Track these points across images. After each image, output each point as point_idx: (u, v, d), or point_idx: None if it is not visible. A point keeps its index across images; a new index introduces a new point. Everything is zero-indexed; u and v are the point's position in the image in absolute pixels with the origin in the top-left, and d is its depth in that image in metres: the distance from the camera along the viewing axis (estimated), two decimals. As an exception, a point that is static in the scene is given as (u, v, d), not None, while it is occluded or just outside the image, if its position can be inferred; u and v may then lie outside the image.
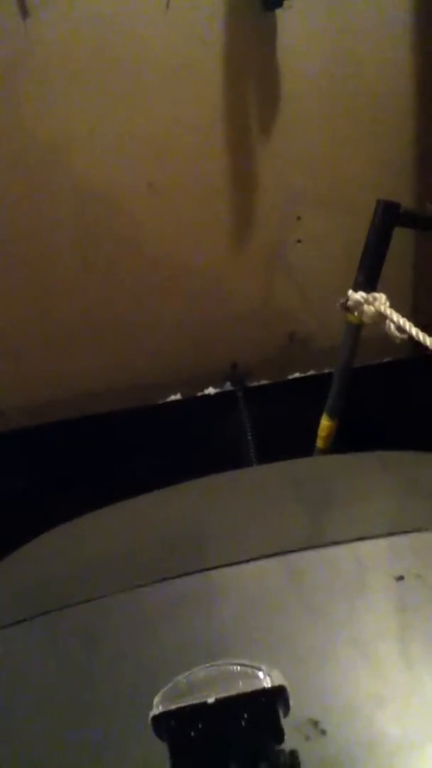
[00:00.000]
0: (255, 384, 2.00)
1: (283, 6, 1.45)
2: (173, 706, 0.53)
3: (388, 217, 1.24)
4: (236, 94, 1.58)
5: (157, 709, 0.53)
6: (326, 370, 1.82)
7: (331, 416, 1.49)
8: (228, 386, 1.98)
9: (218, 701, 0.52)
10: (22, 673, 0.78)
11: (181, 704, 0.53)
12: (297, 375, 2.02)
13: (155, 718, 0.53)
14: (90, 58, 1.49)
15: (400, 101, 1.65)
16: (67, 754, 0.66)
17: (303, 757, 0.55)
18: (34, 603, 0.89)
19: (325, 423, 1.51)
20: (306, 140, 1.66)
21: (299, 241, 1.83)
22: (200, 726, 0.52)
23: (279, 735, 0.54)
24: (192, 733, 0.52)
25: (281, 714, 0.55)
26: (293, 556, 0.85)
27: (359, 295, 1.20)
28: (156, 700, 0.54)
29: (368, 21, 1.55)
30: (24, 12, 1.44)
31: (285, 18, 1.51)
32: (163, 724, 0.53)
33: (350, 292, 1.23)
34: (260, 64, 1.56)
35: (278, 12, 1.48)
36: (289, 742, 0.56)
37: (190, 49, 1.51)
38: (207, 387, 1.99)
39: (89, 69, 1.51)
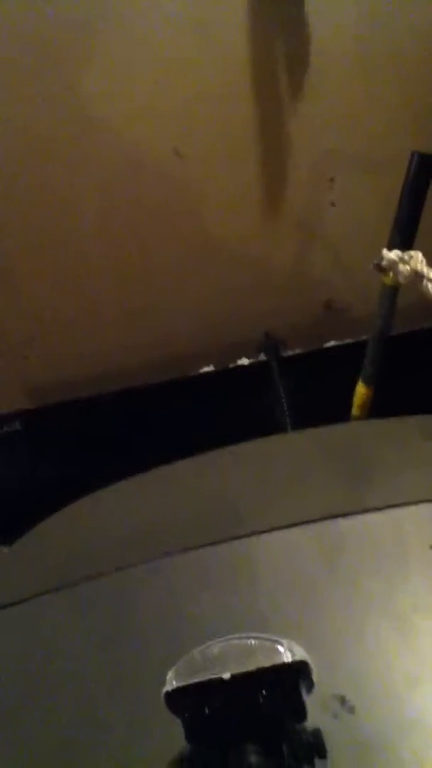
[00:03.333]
0: (289, 353, 1.95)
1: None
2: (187, 682, 0.50)
3: (423, 170, 1.17)
4: (262, 53, 1.52)
5: (170, 685, 0.51)
6: (364, 338, 1.76)
7: (367, 383, 1.44)
8: (262, 356, 1.94)
9: (234, 677, 0.49)
10: (48, 646, 0.77)
11: (195, 680, 0.50)
12: (333, 343, 1.96)
13: (168, 694, 0.51)
14: (110, 26, 1.45)
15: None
16: (90, 729, 0.64)
17: (329, 736, 0.52)
18: (60, 574, 0.88)
19: (360, 390, 1.45)
20: (336, 98, 1.59)
21: (333, 204, 1.76)
22: (215, 702, 0.49)
23: (301, 712, 0.51)
24: (207, 710, 0.50)
25: (303, 691, 0.51)
26: (325, 524, 0.82)
27: (393, 254, 1.14)
28: (169, 675, 0.52)
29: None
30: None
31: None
32: (177, 700, 0.50)
33: (384, 251, 1.16)
34: (287, 21, 1.49)
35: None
36: (314, 720, 0.52)
37: (215, 5, 1.45)
38: (240, 358, 1.94)
39: (108, 35, 1.46)
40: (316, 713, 0.53)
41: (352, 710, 0.57)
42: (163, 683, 0.52)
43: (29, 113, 1.51)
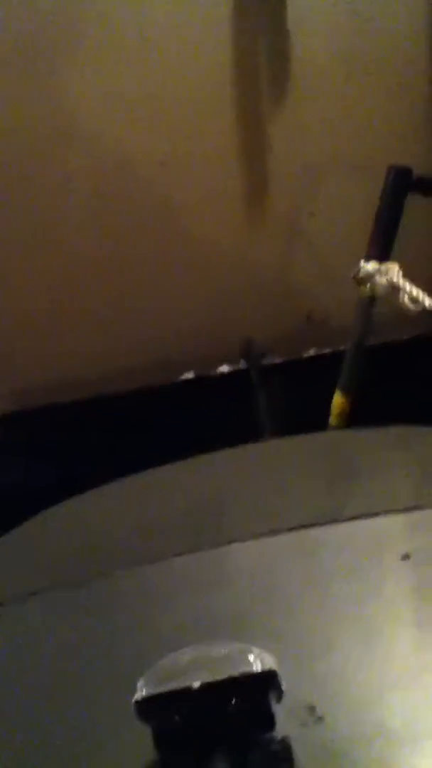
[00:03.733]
0: (270, 362, 1.96)
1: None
2: (156, 691, 0.50)
3: (400, 183, 1.19)
4: (246, 58, 1.53)
5: (140, 693, 0.51)
6: (343, 348, 1.77)
7: (345, 392, 1.45)
8: (242, 364, 1.95)
9: (203, 686, 0.49)
10: (15, 651, 0.76)
11: (165, 689, 0.50)
12: (313, 352, 1.97)
13: (138, 702, 0.51)
14: (96, 31, 1.45)
15: (418, 62, 1.59)
16: (58, 736, 0.64)
17: (297, 744, 0.52)
18: (34, 578, 0.87)
19: (338, 399, 1.46)
20: (319, 105, 1.61)
21: (312, 214, 1.78)
22: (185, 711, 0.50)
23: (269, 721, 0.51)
24: (177, 719, 0.50)
25: (272, 700, 0.52)
26: (300, 533, 0.83)
27: (370, 266, 1.15)
28: (139, 683, 0.52)
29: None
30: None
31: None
32: (146, 709, 0.50)
33: (362, 262, 1.18)
34: (270, 31, 1.51)
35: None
36: (283, 729, 0.53)
37: (199, 8, 1.46)
38: (221, 365, 1.95)
39: (95, 39, 1.47)
40: (285, 722, 0.53)
41: (320, 719, 0.57)
42: (133, 691, 0.53)
43: (18, 117, 1.52)
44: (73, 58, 1.47)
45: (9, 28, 1.43)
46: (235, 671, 0.50)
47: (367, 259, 1.20)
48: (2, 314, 1.77)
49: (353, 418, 1.52)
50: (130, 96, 1.52)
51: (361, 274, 1.17)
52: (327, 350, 1.97)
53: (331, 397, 1.52)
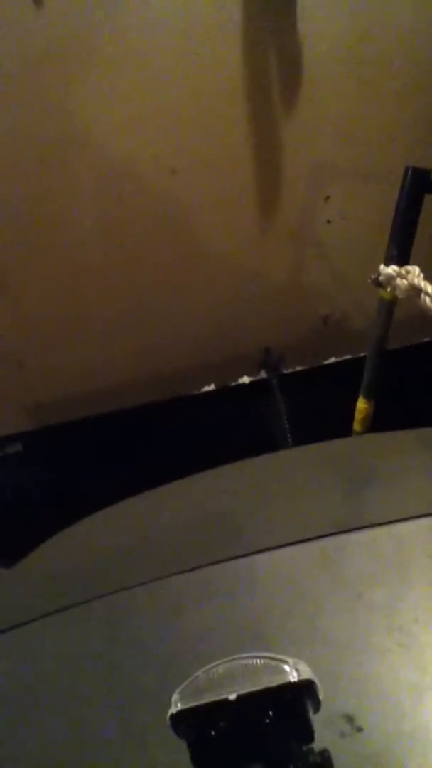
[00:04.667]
0: (290, 371, 1.95)
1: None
2: (192, 704, 0.49)
3: (417, 184, 1.17)
4: (256, 62, 1.53)
5: (175, 707, 0.50)
6: (363, 354, 1.76)
7: (367, 398, 1.43)
8: (263, 374, 1.94)
9: (240, 697, 0.48)
10: (50, 669, 0.76)
11: (201, 701, 0.49)
12: (333, 360, 1.96)
13: (173, 716, 0.50)
14: (105, 39, 1.46)
15: (430, 64, 1.58)
16: (93, 753, 0.63)
17: (337, 756, 0.51)
18: (62, 596, 0.87)
19: (361, 405, 1.45)
20: (331, 109, 1.60)
21: (329, 221, 1.77)
22: (221, 724, 0.49)
23: (308, 733, 0.50)
24: (213, 732, 0.49)
25: (310, 710, 0.50)
26: (328, 541, 0.81)
27: (391, 269, 1.14)
28: (174, 697, 0.51)
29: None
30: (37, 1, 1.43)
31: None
32: (182, 722, 0.49)
33: (381, 266, 1.16)
34: (280, 35, 1.50)
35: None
36: (322, 740, 0.51)
37: (208, 13, 1.46)
38: (241, 376, 1.95)
39: (104, 50, 1.47)
40: (324, 733, 0.52)
41: (359, 729, 0.56)
42: (167, 705, 0.52)
43: (31, 127, 1.52)
44: (85, 69, 1.47)
45: (26, 43, 1.44)
46: (272, 682, 0.49)
47: (387, 262, 1.18)
48: (20, 329, 1.78)
49: (376, 423, 1.51)
50: (140, 104, 1.52)
51: (381, 278, 1.15)
52: (347, 356, 1.96)
53: (353, 403, 1.51)
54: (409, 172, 1.16)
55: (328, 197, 1.74)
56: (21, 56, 1.45)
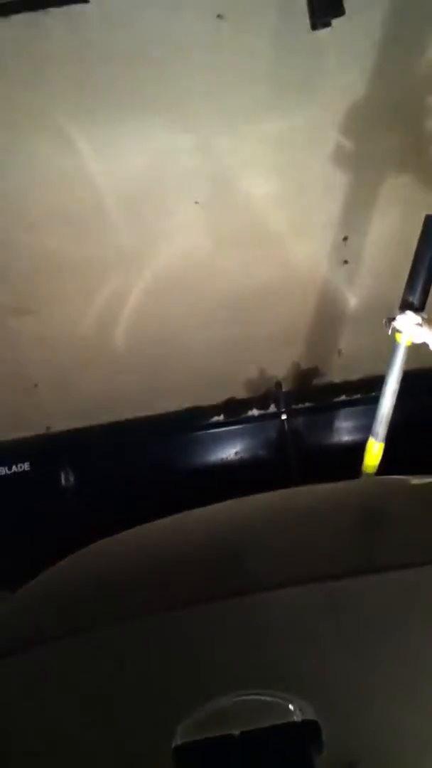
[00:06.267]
0: (300, 406, 1.96)
1: (331, 26, 1.43)
2: (196, 738, 0.50)
3: (437, 233, 1.20)
4: (282, 108, 1.57)
5: (179, 740, 0.50)
6: (374, 394, 1.77)
7: (378, 439, 1.44)
8: (272, 408, 1.95)
9: (244, 734, 0.49)
10: (50, 695, 0.75)
11: (205, 736, 0.50)
12: (343, 398, 1.97)
13: (177, 749, 0.50)
14: (139, 74, 1.49)
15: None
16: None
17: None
18: (65, 622, 0.87)
19: (371, 445, 1.45)
20: (352, 156, 1.63)
21: (346, 261, 1.80)
22: (224, 760, 0.49)
23: (310, 774, 0.50)
24: (215, 767, 0.49)
25: (313, 752, 0.51)
26: (334, 583, 0.81)
27: (407, 316, 1.16)
28: (179, 730, 0.51)
29: (419, 33, 1.51)
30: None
31: (332, 37, 1.49)
32: (185, 756, 0.50)
33: (397, 311, 1.19)
34: (307, 78, 1.54)
35: (325, 31, 1.46)
36: (323, 785, 0.52)
37: (239, 60, 1.50)
38: (251, 409, 1.96)
39: (138, 84, 1.50)
40: (325, 776, 0.52)
41: (360, 775, 0.56)
42: (170, 738, 0.52)
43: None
44: (109, 113, 1.51)
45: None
46: (277, 720, 0.49)
47: (403, 307, 1.20)
48: (39, 351, 1.81)
49: (385, 464, 1.51)
50: (165, 141, 1.56)
51: (395, 323, 1.18)
52: (357, 395, 1.97)
53: (363, 442, 1.51)
54: (430, 221, 1.18)
55: (345, 239, 1.76)
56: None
